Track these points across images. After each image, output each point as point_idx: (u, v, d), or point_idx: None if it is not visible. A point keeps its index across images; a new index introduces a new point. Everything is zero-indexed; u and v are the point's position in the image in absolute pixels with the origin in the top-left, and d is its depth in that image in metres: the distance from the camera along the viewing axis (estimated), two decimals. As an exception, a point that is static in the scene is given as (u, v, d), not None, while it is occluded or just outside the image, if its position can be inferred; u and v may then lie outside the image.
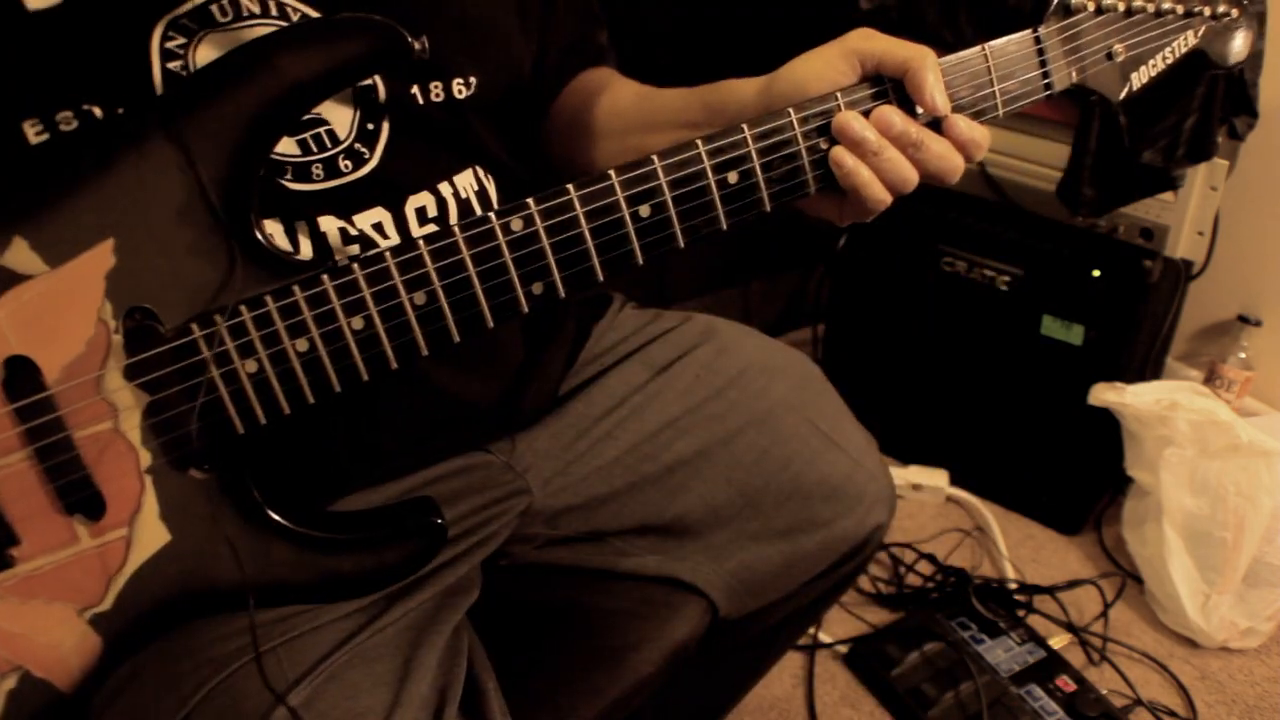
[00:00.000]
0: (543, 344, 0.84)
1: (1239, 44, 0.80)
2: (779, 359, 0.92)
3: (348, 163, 0.67)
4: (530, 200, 0.61)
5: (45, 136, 0.59)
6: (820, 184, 0.66)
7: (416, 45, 0.59)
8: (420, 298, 0.60)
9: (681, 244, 0.64)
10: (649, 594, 0.85)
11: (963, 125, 0.66)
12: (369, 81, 0.67)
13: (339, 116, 0.66)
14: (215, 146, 0.57)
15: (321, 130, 0.66)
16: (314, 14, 0.64)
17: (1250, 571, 1.42)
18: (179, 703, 0.60)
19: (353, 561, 0.64)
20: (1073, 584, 1.56)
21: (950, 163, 0.67)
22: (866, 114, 0.65)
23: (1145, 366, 1.64)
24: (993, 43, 0.69)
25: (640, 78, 0.86)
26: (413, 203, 0.70)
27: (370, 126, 0.68)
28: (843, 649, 1.44)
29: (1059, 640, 1.45)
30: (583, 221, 0.62)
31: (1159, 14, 0.75)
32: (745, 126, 0.64)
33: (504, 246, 0.60)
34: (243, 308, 0.58)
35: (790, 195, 0.66)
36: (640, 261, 0.64)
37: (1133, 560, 1.57)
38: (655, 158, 0.62)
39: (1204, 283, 1.66)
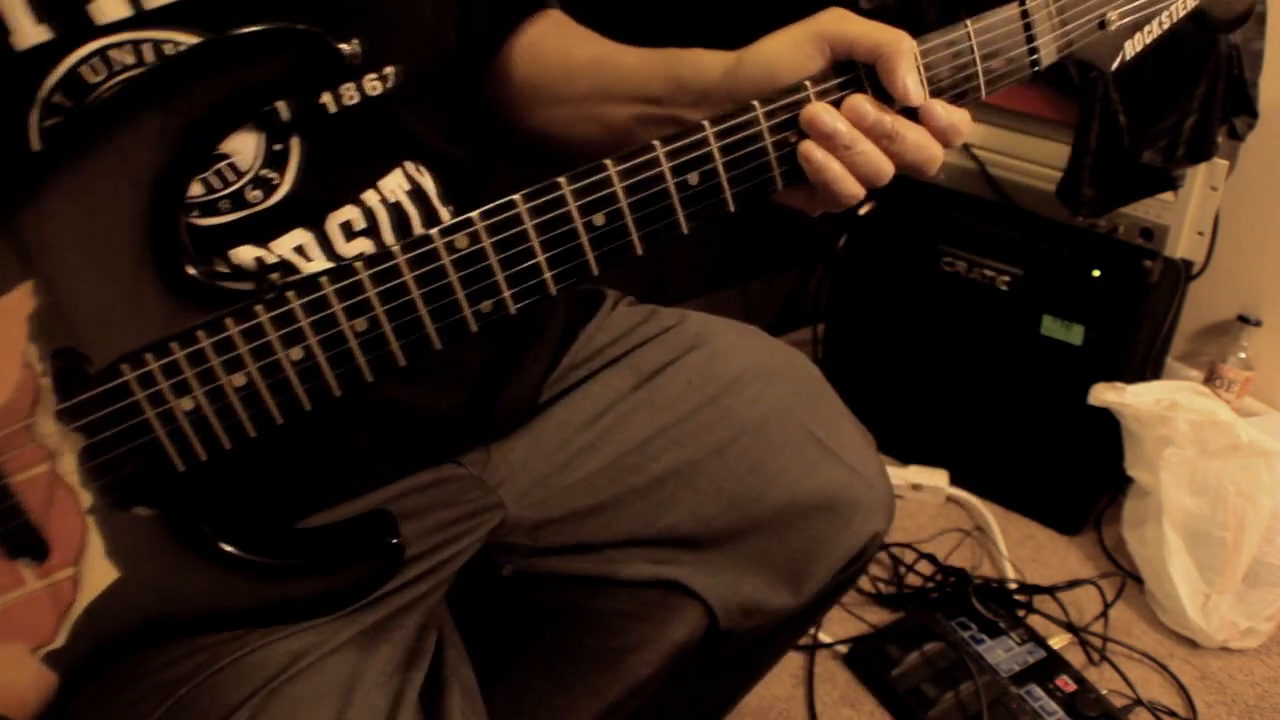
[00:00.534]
0: (520, 349, 0.81)
1: (1236, 8, 0.76)
2: (776, 361, 0.89)
3: (256, 193, 0.62)
4: (475, 215, 0.57)
5: None
6: (787, 180, 0.63)
7: (346, 48, 0.56)
8: (361, 324, 0.57)
9: (639, 251, 0.61)
10: (646, 597, 0.84)
11: (940, 112, 0.62)
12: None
13: (239, 145, 0.61)
14: (131, 185, 0.55)
15: (222, 165, 0.61)
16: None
17: (1250, 571, 1.42)
18: None
19: (307, 586, 0.62)
20: (1073, 584, 1.56)
21: (927, 153, 0.63)
22: (838, 103, 0.61)
23: (1145, 366, 1.64)
24: (977, 18, 0.64)
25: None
26: (335, 219, 0.66)
27: (278, 148, 0.62)
28: (843, 649, 1.44)
29: (1059, 640, 1.45)
30: (532, 235, 0.58)
31: None
32: (707, 124, 0.60)
33: (449, 266, 0.57)
34: (174, 345, 0.55)
35: (756, 193, 0.63)
36: (596, 272, 0.60)
37: (1133, 560, 1.57)
38: (609, 163, 0.58)
39: (1204, 283, 1.66)
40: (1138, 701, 1.37)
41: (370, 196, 0.68)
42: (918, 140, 0.62)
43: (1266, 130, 1.45)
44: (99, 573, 0.57)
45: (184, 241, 0.57)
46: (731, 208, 0.62)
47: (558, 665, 0.80)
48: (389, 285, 0.56)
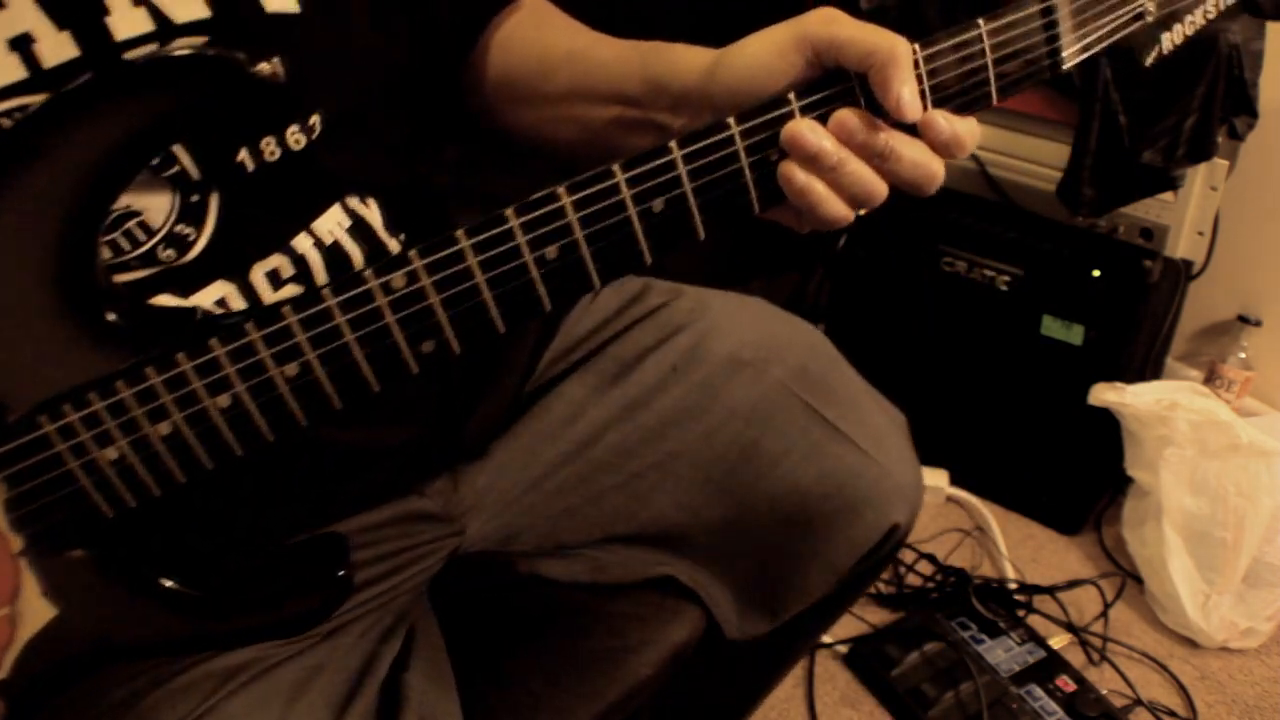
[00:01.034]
0: (492, 365, 0.76)
1: None
2: (778, 336, 0.82)
3: (170, 252, 0.58)
4: (413, 253, 0.52)
5: None
6: (765, 203, 0.56)
7: (265, 68, 0.52)
8: (293, 369, 0.53)
9: (597, 285, 0.55)
10: (645, 598, 0.82)
11: (942, 124, 0.55)
12: (173, 164, 0.56)
13: (149, 202, 0.56)
14: (40, 227, 0.52)
15: (131, 224, 0.56)
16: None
17: (1250, 571, 1.42)
18: None
19: (251, 619, 0.60)
20: (1073, 584, 1.56)
21: (926, 170, 0.55)
22: (826, 117, 0.54)
23: (1145, 366, 1.64)
24: (992, 17, 0.56)
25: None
26: (261, 268, 0.61)
27: (195, 199, 0.57)
28: (843, 649, 1.44)
29: (1059, 640, 1.45)
30: (477, 272, 0.53)
31: None
32: (674, 145, 0.53)
33: (385, 308, 0.53)
34: (93, 395, 0.52)
35: (729, 219, 0.56)
36: (548, 308, 0.55)
37: (1133, 560, 1.57)
38: (562, 191, 0.53)
39: (1204, 283, 1.66)
40: (1138, 701, 1.37)
41: (301, 241, 0.62)
42: (915, 158, 0.55)
43: (1266, 130, 1.45)
44: (36, 611, 0.56)
45: (101, 287, 0.54)
46: (702, 235, 0.56)
47: (556, 667, 0.79)
48: (320, 330, 0.53)
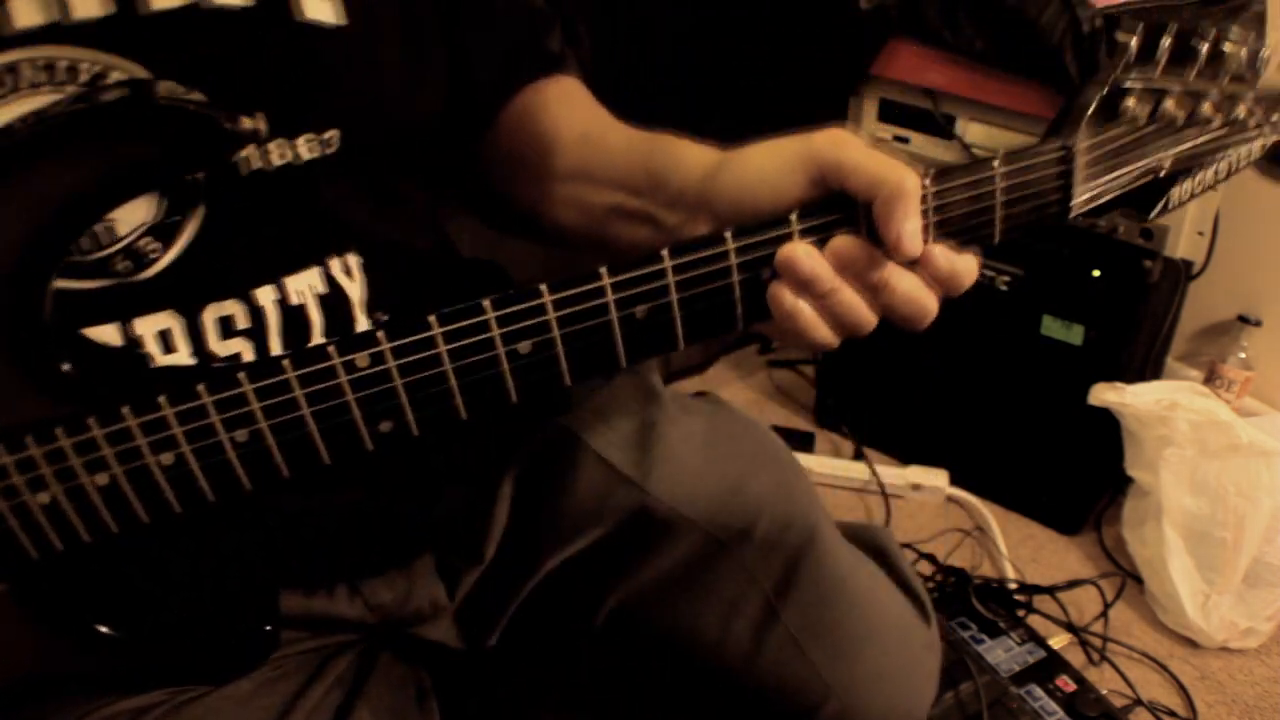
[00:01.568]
0: (460, 447, 0.71)
1: None
2: (749, 492, 0.73)
3: (127, 263, 0.55)
4: (381, 334, 0.51)
5: None
6: (748, 319, 0.55)
7: (247, 124, 0.50)
8: (242, 435, 0.52)
9: (568, 381, 0.54)
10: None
11: (941, 262, 0.53)
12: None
13: (124, 210, 0.54)
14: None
15: (97, 226, 0.54)
16: (126, 75, 0.53)
17: (1250, 571, 1.42)
18: None
19: (171, 665, 0.59)
20: (1073, 584, 1.56)
21: (919, 306, 0.54)
22: (824, 242, 0.53)
23: (1145, 366, 1.64)
24: (1009, 159, 0.56)
25: (634, 79, 0.77)
26: (214, 310, 0.58)
27: (173, 219, 0.56)
28: (843, 649, 1.43)
29: (1059, 640, 1.45)
30: (446, 360, 0.52)
31: (1229, 124, 0.59)
32: (666, 254, 0.52)
33: (345, 385, 0.52)
34: (29, 438, 0.51)
35: (712, 331, 0.55)
36: (515, 401, 0.54)
37: (1133, 560, 1.57)
38: (544, 289, 0.52)
39: (1204, 283, 1.66)
40: (1138, 701, 1.37)
41: (265, 294, 0.59)
42: (909, 293, 0.54)
43: (1266, 130, 1.45)
44: None
45: (54, 334, 0.52)
46: (680, 346, 0.54)
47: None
48: (275, 400, 0.51)
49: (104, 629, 0.57)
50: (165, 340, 0.57)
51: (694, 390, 0.90)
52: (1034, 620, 1.49)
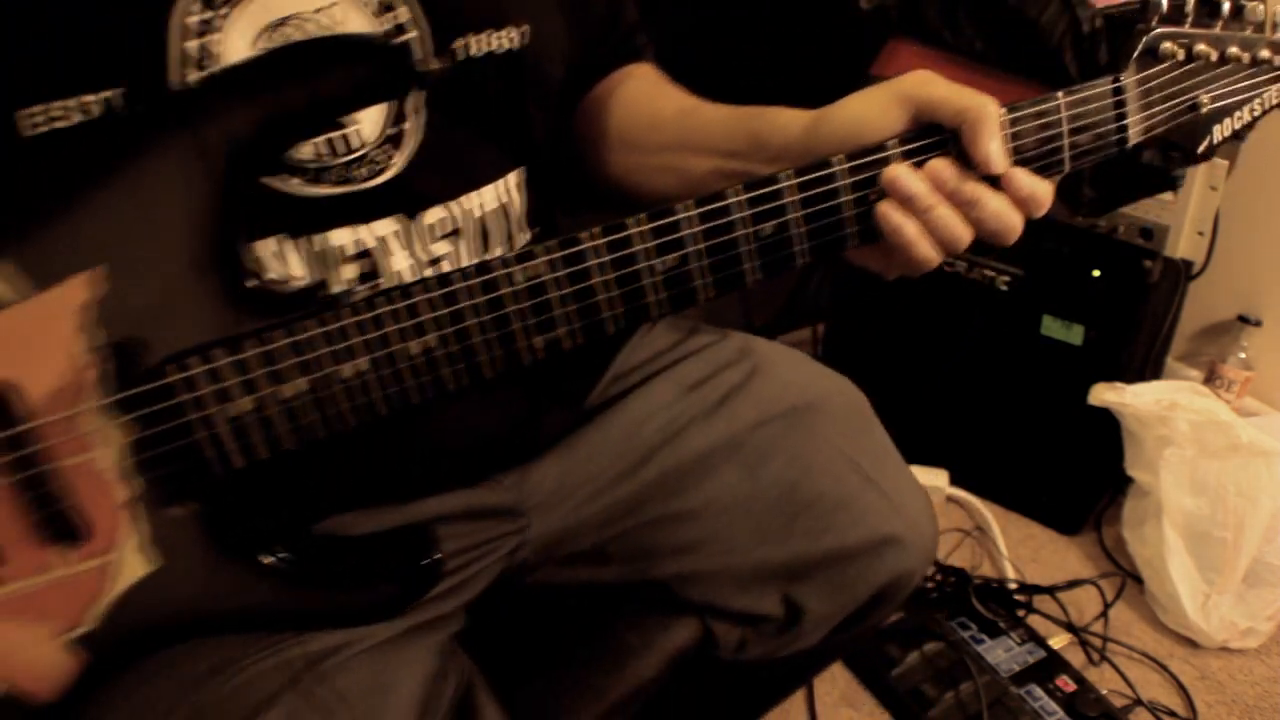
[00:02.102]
0: (564, 370, 0.77)
1: None
2: (821, 385, 0.86)
3: (362, 170, 0.63)
4: (541, 247, 0.57)
5: (42, 130, 0.54)
6: (862, 238, 0.62)
7: (436, 65, 0.57)
8: (416, 348, 0.56)
9: (703, 298, 0.60)
10: (648, 602, 0.83)
11: (1023, 180, 0.61)
12: (411, 36, 0.63)
13: (362, 115, 0.62)
14: (200, 185, 0.55)
15: (335, 135, 0.61)
16: None
17: (1250, 571, 1.42)
18: None
19: (340, 598, 0.62)
20: (1073, 584, 1.56)
21: (1007, 221, 0.61)
22: (921, 165, 0.60)
23: (1145, 366, 1.64)
24: (1070, 91, 0.63)
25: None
26: (429, 216, 0.66)
27: (396, 129, 0.64)
28: (843, 649, 1.44)
29: (1059, 640, 1.45)
30: (598, 273, 0.57)
31: (1255, 63, 0.68)
32: (790, 174, 0.59)
33: (509, 297, 0.57)
34: (220, 350, 0.55)
35: (829, 249, 0.62)
36: (656, 316, 0.60)
37: (1133, 560, 1.57)
38: (688, 205, 0.58)
39: (1204, 283, 1.66)
40: (1138, 701, 1.37)
41: (468, 200, 0.68)
42: (998, 208, 0.61)
43: (1266, 130, 1.45)
44: (131, 565, 0.58)
45: (247, 246, 0.58)
46: (801, 261, 0.61)
47: (559, 666, 0.80)
48: (447, 311, 0.56)
49: (275, 554, 0.60)
50: (387, 246, 0.64)
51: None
52: (1034, 620, 1.49)
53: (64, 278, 0.54)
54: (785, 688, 1.01)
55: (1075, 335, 1.55)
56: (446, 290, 0.56)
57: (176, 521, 0.58)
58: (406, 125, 0.64)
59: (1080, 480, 1.67)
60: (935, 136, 0.61)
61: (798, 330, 2.04)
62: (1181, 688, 1.40)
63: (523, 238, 0.73)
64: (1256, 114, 0.71)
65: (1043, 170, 0.63)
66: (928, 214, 0.60)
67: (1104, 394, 1.47)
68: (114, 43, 0.55)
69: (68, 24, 0.54)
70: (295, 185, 0.61)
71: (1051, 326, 1.57)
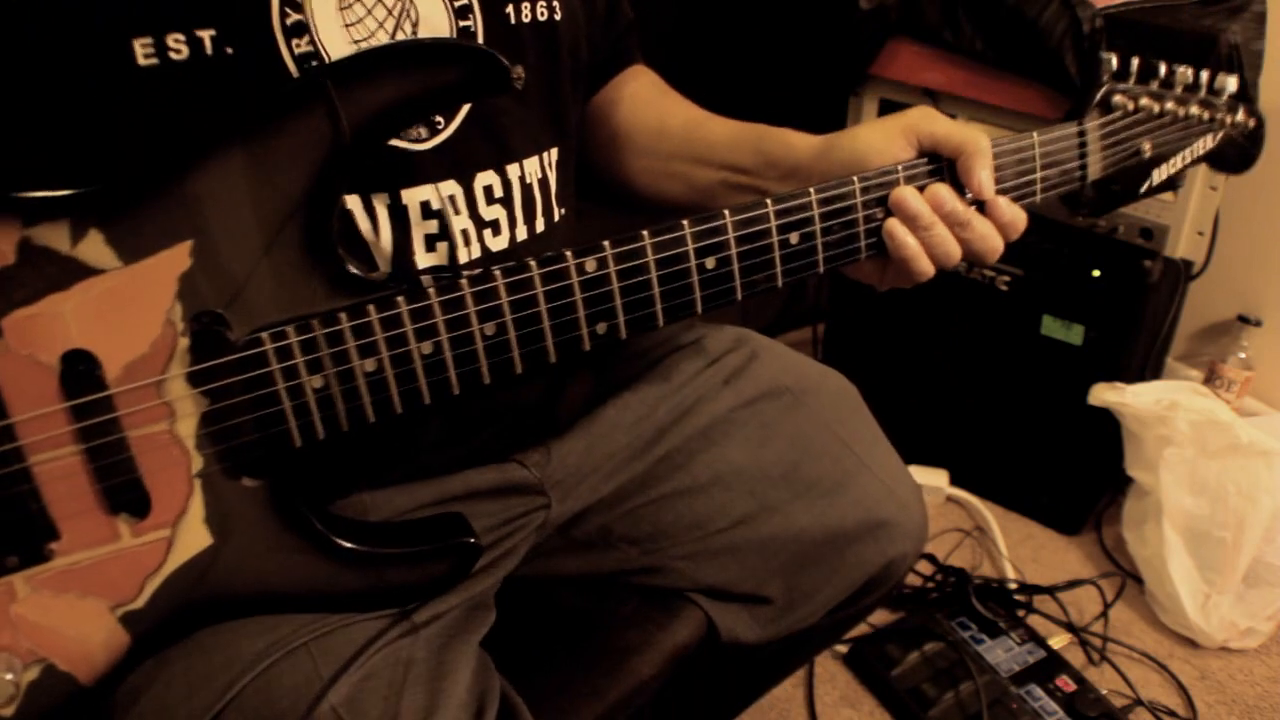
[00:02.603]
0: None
1: (1251, 154, 0.90)
2: (813, 373, 0.91)
3: (421, 130, 0.66)
4: (606, 243, 0.62)
5: (155, 61, 0.56)
6: (869, 251, 0.70)
7: (517, 72, 0.60)
8: (490, 328, 0.61)
9: (739, 297, 0.66)
10: (651, 599, 0.84)
11: (1004, 208, 0.71)
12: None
13: None
14: (306, 166, 0.57)
15: None
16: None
17: (1250, 571, 1.42)
18: (211, 699, 0.60)
19: (391, 575, 0.64)
20: (1073, 584, 1.56)
21: (991, 243, 0.71)
22: (922, 189, 0.70)
23: (1145, 366, 1.64)
24: (1042, 132, 0.74)
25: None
26: (481, 180, 0.69)
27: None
28: (843, 649, 1.44)
29: (1059, 640, 1.45)
30: (652, 268, 0.63)
31: (1186, 119, 0.83)
32: (812, 190, 0.67)
33: (576, 286, 0.62)
34: (315, 322, 0.57)
35: (842, 260, 0.70)
36: (699, 311, 0.66)
37: (1133, 560, 1.57)
38: (727, 213, 0.65)
39: (1204, 283, 1.66)
40: (1138, 701, 1.37)
41: (513, 170, 0.71)
42: (984, 231, 0.71)
43: (1267, 130, 1.45)
44: (194, 538, 0.58)
45: (338, 225, 0.60)
46: (821, 269, 0.69)
47: (558, 665, 0.80)
48: (520, 295, 0.61)
49: (337, 534, 0.61)
50: (454, 204, 0.67)
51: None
52: (1034, 620, 1.49)
53: (150, 252, 0.55)
54: (779, 672, 1.03)
55: (1075, 335, 1.55)
56: (522, 276, 0.61)
57: (244, 494, 0.59)
58: None
59: (1080, 480, 1.67)
60: (931, 165, 0.71)
61: (798, 330, 2.04)
62: (1181, 688, 1.40)
63: (560, 213, 0.77)
64: (1188, 161, 0.85)
65: (1018, 199, 0.74)
66: (928, 231, 0.69)
67: (1104, 394, 1.47)
68: None
69: None
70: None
71: (1051, 326, 1.57)
